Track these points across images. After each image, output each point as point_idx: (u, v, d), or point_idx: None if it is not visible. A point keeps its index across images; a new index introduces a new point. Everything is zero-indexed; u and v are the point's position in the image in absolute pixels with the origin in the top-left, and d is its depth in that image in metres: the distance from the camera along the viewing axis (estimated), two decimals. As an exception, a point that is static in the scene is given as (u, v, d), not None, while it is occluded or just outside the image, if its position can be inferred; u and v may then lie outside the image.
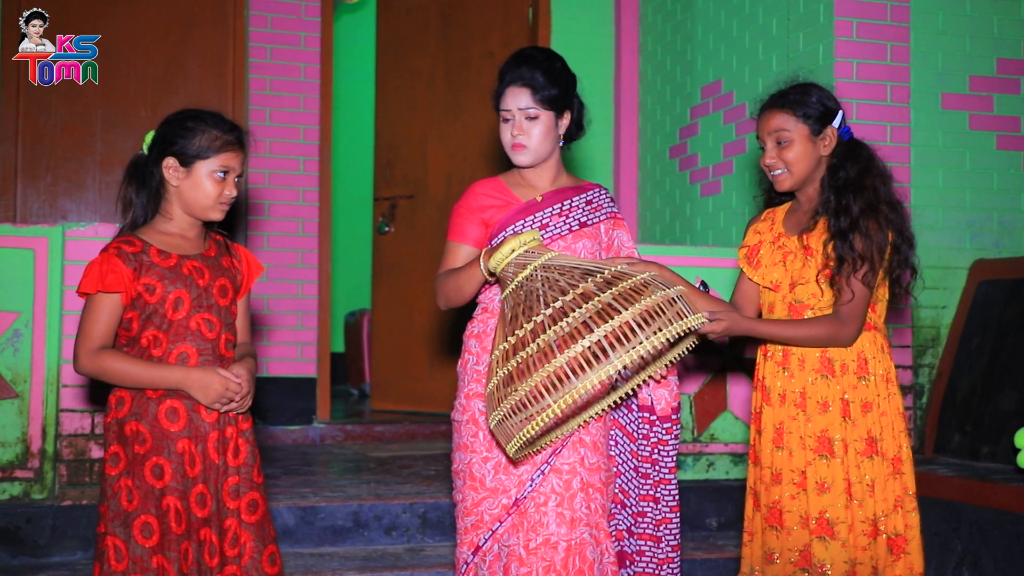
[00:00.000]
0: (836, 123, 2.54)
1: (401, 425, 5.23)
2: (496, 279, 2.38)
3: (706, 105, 5.08)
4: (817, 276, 2.49)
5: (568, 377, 2.00)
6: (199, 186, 2.31)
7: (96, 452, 3.45)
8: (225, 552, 2.31)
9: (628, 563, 2.59)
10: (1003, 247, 4.28)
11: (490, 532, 2.47)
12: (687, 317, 2.08)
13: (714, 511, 3.91)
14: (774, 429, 2.56)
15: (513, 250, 2.25)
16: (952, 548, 3.44)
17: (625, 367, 2.07)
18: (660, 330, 2.03)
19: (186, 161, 2.30)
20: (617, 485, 2.60)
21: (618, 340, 2.01)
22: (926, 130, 4.20)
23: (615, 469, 2.61)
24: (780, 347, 2.57)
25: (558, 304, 2.07)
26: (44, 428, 3.41)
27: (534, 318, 2.09)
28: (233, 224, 4.62)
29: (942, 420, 4.07)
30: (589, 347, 1.99)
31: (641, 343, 2.00)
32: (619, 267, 2.16)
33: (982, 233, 4.27)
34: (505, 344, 2.13)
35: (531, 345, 2.05)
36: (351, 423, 5.23)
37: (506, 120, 2.53)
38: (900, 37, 4.17)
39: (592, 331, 2.00)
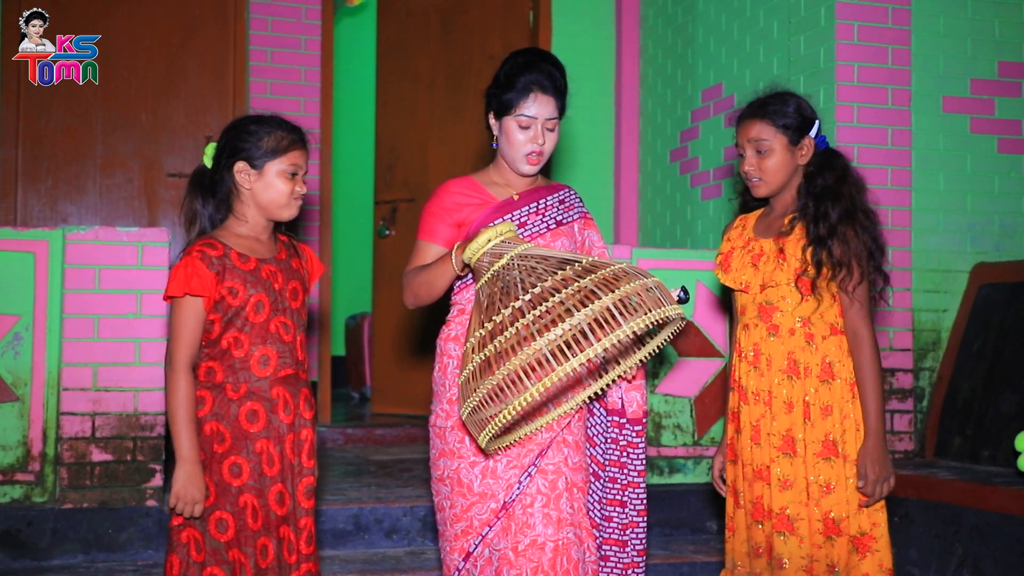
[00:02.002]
0: (813, 133, 2.61)
1: (402, 428, 5.23)
2: (469, 272, 2.37)
3: (707, 108, 5.08)
4: (797, 280, 2.54)
5: (548, 360, 1.99)
6: (272, 186, 2.38)
7: (96, 455, 3.45)
8: (301, 550, 2.39)
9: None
10: (1004, 250, 4.28)
11: (480, 537, 2.46)
12: (664, 306, 2.07)
13: (714, 514, 3.91)
14: (751, 427, 2.61)
15: (489, 240, 2.24)
16: (952, 551, 3.43)
17: (605, 351, 2.04)
18: (640, 317, 2.02)
19: (256, 163, 2.37)
20: None
21: (598, 325, 2.00)
22: (927, 133, 4.20)
23: None
24: (752, 348, 2.61)
25: (537, 290, 2.06)
26: (45, 431, 3.41)
27: (512, 304, 2.07)
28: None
29: (943, 423, 4.07)
30: (569, 331, 1.98)
31: (621, 328, 1.99)
32: (596, 257, 2.16)
33: (983, 236, 4.27)
34: (481, 331, 2.10)
35: (508, 330, 2.04)
36: (352, 426, 5.23)
37: (524, 127, 2.49)
38: (901, 40, 4.17)
39: (572, 316, 1.99)
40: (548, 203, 2.59)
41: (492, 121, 2.55)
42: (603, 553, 2.56)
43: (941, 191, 4.23)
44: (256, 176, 2.37)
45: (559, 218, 2.58)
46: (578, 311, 1.98)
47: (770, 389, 2.58)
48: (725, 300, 4.04)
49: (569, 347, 1.98)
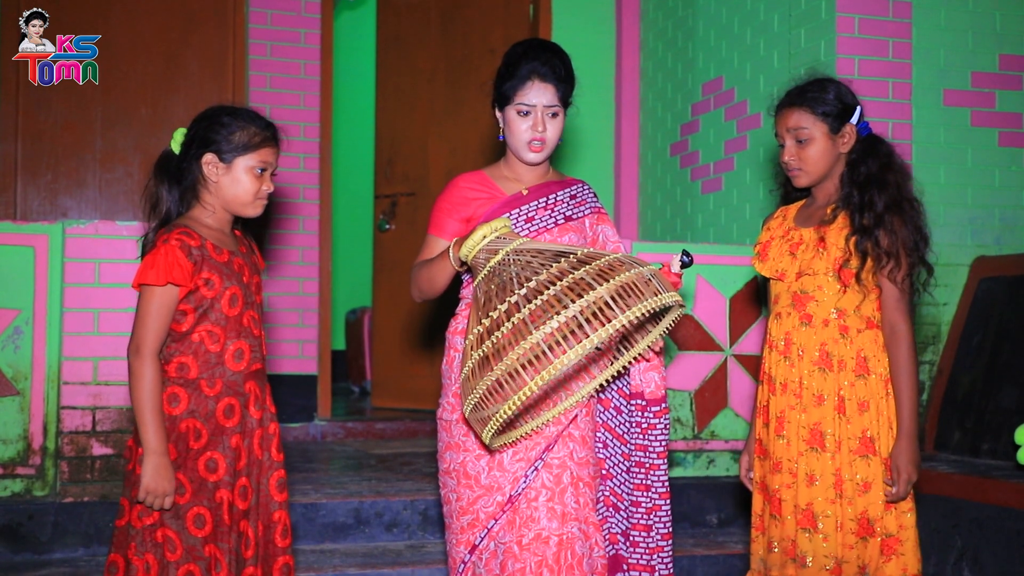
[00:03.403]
0: (855, 120, 2.53)
1: (402, 422, 5.23)
2: (467, 268, 2.37)
3: (707, 102, 5.07)
4: (839, 271, 2.48)
5: (545, 354, 1.97)
6: (238, 181, 2.33)
7: (97, 449, 3.45)
8: (276, 543, 2.37)
9: (625, 567, 2.57)
10: (1004, 244, 4.27)
11: (486, 530, 2.45)
12: (662, 294, 2.06)
13: (714, 508, 3.91)
14: (776, 418, 2.56)
15: (484, 236, 2.22)
16: (952, 544, 3.44)
17: (608, 340, 2.03)
18: (637, 305, 2.00)
19: (225, 157, 2.32)
20: (609, 488, 2.59)
21: (594, 315, 1.99)
22: (928, 127, 4.20)
23: (605, 471, 2.59)
24: (783, 337, 2.55)
25: (532, 283, 2.04)
26: (45, 425, 3.41)
27: (508, 299, 2.06)
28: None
29: (943, 417, 4.07)
30: (565, 322, 1.96)
31: (617, 317, 1.97)
32: (591, 248, 2.14)
33: (984, 230, 4.26)
34: (479, 327, 2.09)
35: (506, 324, 2.02)
36: (352, 420, 5.23)
37: (524, 114, 2.48)
38: (902, 33, 4.16)
39: (568, 308, 1.97)
40: (558, 198, 2.57)
41: (497, 113, 2.55)
42: (632, 539, 2.56)
43: (942, 184, 4.22)
44: (224, 170, 2.33)
45: (568, 213, 2.57)
46: (574, 303, 1.97)
47: (800, 380, 2.51)
48: (724, 293, 4.04)
49: (567, 339, 1.97)
